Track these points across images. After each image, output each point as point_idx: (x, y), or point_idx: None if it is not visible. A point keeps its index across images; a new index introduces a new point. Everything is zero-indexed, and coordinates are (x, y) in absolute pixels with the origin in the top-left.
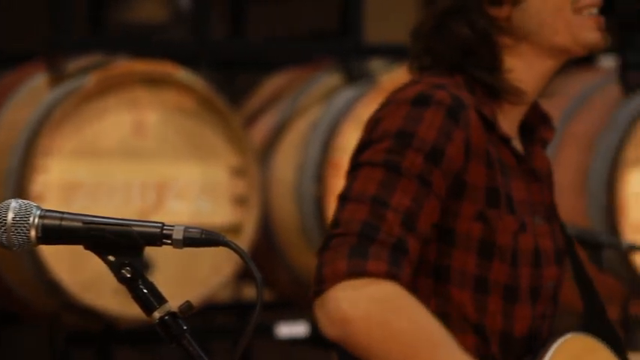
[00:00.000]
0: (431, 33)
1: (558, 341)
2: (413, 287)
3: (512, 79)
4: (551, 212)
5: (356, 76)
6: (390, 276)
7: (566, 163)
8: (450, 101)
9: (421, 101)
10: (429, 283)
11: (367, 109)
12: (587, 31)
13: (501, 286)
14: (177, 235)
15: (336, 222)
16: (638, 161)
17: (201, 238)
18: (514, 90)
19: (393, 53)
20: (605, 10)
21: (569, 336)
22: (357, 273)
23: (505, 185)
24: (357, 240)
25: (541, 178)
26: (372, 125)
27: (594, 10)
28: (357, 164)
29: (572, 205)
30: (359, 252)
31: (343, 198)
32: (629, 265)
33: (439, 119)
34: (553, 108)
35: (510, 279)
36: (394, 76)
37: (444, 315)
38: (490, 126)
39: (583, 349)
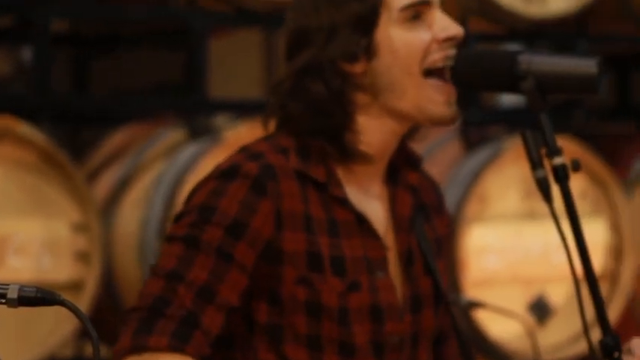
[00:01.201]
0: (287, 92)
1: None
2: (247, 348)
3: (359, 142)
4: (411, 258)
5: (200, 131)
6: (172, 349)
7: None
8: (257, 172)
9: (228, 175)
10: (265, 344)
11: (211, 164)
12: (436, 104)
13: (335, 342)
14: (12, 294)
15: (138, 296)
16: (478, 217)
17: (36, 297)
18: (356, 154)
19: (238, 109)
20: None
21: None
22: (139, 348)
23: (334, 246)
24: (146, 314)
25: (399, 225)
26: (187, 199)
27: (447, 63)
28: (167, 237)
29: None
30: (145, 327)
31: (149, 273)
32: (470, 320)
33: (242, 192)
34: None
35: (343, 336)
36: (239, 132)
37: None
38: (322, 188)
39: None
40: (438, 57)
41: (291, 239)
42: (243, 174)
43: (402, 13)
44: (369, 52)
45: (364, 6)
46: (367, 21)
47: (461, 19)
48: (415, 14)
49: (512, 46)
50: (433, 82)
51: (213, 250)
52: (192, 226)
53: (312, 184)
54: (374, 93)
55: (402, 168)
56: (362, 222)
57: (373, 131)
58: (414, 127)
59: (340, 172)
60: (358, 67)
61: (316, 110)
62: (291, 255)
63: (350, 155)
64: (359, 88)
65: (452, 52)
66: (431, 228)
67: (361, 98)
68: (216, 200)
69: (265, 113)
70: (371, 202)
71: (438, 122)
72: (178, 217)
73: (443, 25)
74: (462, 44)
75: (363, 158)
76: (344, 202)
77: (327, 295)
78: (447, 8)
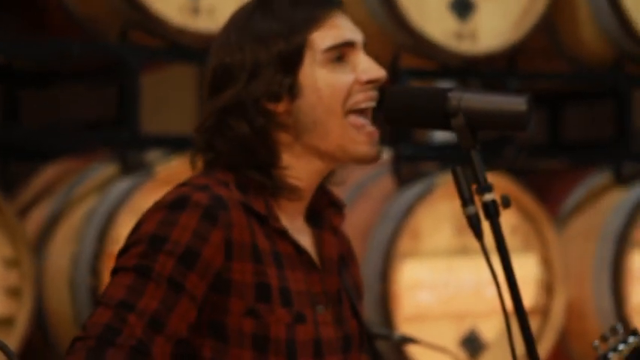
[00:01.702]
0: (212, 129)
1: None
2: None
3: (288, 176)
4: (339, 299)
5: (132, 166)
6: None
7: None
8: (207, 202)
9: (177, 205)
10: None
11: (143, 199)
12: (358, 144)
13: None
14: None
15: (83, 326)
16: (411, 252)
17: None
18: (288, 187)
19: (170, 144)
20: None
21: None
22: None
23: (281, 277)
24: (95, 343)
25: (326, 267)
26: (133, 230)
27: (369, 105)
28: (114, 269)
29: None
30: (95, 356)
31: (96, 304)
32: (402, 356)
33: (194, 222)
34: None
35: None
36: (171, 167)
37: None
38: (263, 220)
39: None
40: (360, 98)
41: (240, 270)
42: (194, 203)
43: (326, 54)
44: (293, 91)
45: (288, 46)
46: (291, 61)
47: (393, 55)
48: (339, 55)
49: (444, 83)
50: (356, 120)
51: (165, 279)
52: (142, 256)
53: (254, 216)
54: (297, 132)
55: (324, 210)
56: (301, 253)
57: (299, 168)
58: (335, 169)
59: (274, 206)
60: (281, 107)
61: (241, 147)
62: (239, 286)
63: (281, 189)
64: (282, 127)
65: (374, 93)
66: (349, 274)
67: (284, 137)
68: (168, 230)
69: (194, 151)
70: (301, 239)
71: (361, 161)
72: (126, 249)
73: (366, 67)
74: (394, 80)
75: (293, 192)
76: (284, 234)
77: (275, 327)
78: (379, 44)
